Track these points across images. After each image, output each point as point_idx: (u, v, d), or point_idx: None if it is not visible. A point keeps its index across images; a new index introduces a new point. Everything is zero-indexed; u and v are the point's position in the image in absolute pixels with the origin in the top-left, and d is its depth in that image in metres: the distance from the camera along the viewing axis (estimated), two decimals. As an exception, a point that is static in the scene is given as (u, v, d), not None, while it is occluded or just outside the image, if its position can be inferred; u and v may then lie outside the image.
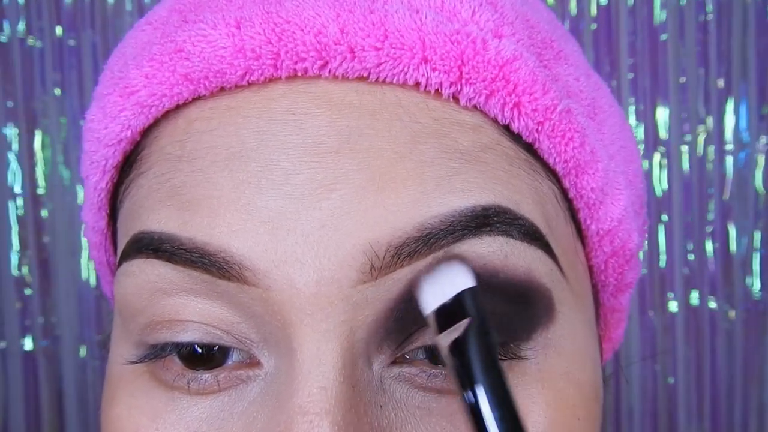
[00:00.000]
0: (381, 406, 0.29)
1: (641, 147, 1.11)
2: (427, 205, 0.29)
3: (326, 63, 0.30)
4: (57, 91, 1.11)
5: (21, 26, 1.10)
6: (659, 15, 1.11)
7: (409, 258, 0.28)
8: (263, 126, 0.30)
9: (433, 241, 0.28)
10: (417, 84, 0.30)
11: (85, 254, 1.11)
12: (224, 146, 0.30)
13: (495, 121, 0.32)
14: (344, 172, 0.29)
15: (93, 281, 1.12)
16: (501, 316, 0.30)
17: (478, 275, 0.29)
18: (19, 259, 1.12)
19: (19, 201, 1.11)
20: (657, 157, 1.11)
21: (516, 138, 0.32)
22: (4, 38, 1.10)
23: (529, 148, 0.32)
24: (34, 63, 1.11)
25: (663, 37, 1.11)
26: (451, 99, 0.31)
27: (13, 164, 1.11)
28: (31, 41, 1.11)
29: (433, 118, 0.30)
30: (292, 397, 0.28)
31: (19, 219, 1.11)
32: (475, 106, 0.31)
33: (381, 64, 0.30)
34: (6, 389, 1.11)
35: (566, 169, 0.33)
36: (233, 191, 0.29)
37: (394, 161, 0.29)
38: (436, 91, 0.31)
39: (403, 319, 0.29)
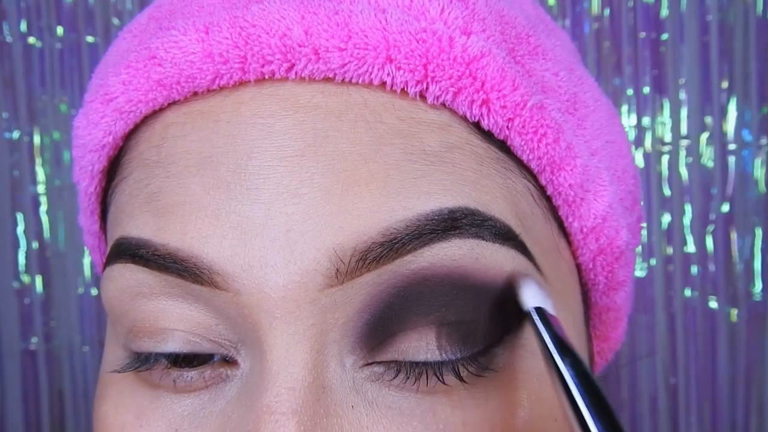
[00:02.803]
0: (353, 407, 0.29)
1: (641, 147, 1.10)
2: (391, 209, 0.29)
3: (292, 65, 0.30)
4: (57, 91, 1.11)
5: (21, 26, 1.11)
6: (660, 15, 1.10)
7: (375, 262, 0.28)
8: (233, 130, 0.30)
9: (399, 246, 0.28)
10: (383, 84, 0.30)
11: (85, 254, 1.12)
12: (196, 151, 0.31)
13: (464, 119, 0.31)
14: (309, 176, 0.29)
15: (93, 281, 1.12)
16: (471, 324, 0.30)
17: (449, 278, 0.29)
18: (20, 259, 1.12)
19: (19, 201, 1.12)
20: (657, 157, 1.11)
21: (487, 136, 0.32)
22: (4, 38, 1.10)
23: (502, 146, 0.32)
24: (34, 63, 1.11)
25: (664, 36, 1.11)
26: (418, 98, 0.31)
27: (13, 164, 1.11)
28: (31, 41, 1.11)
29: (399, 118, 0.30)
30: (261, 397, 0.28)
31: (20, 219, 1.12)
32: (443, 105, 0.31)
33: (346, 64, 0.30)
34: (6, 389, 1.12)
35: (541, 165, 0.33)
36: (204, 196, 0.30)
37: (358, 164, 0.29)
38: (403, 90, 0.30)
39: (374, 324, 0.29)
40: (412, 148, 0.30)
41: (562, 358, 0.27)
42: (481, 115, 0.31)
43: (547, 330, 0.28)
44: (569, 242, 0.36)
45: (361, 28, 0.30)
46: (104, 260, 0.34)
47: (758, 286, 1.11)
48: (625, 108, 1.11)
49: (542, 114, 0.32)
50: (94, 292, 1.13)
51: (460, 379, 0.30)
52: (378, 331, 0.30)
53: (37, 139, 1.12)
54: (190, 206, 0.30)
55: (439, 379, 0.30)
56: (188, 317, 0.31)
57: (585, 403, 0.25)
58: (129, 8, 1.11)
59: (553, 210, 0.34)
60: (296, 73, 0.30)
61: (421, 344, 0.30)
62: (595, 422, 0.25)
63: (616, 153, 0.38)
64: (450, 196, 0.29)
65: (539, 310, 0.29)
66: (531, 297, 0.30)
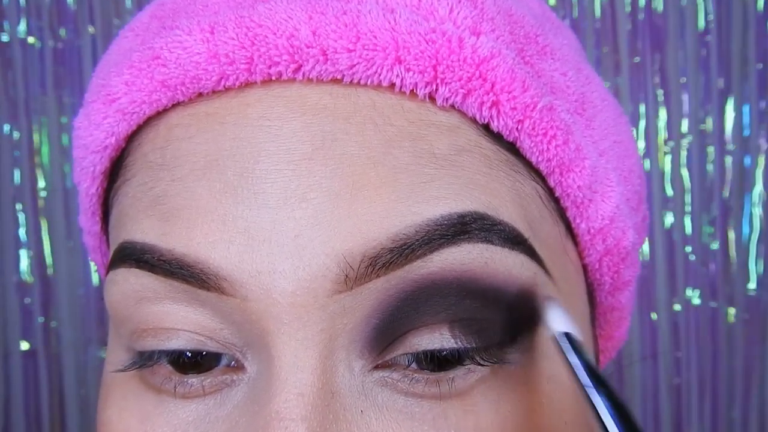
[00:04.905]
0: (362, 412, 0.29)
1: (642, 147, 1.10)
2: (400, 214, 0.28)
3: (300, 66, 0.30)
4: (57, 91, 1.11)
5: (21, 26, 1.11)
6: (660, 15, 1.10)
7: (385, 268, 0.28)
8: (239, 133, 0.30)
9: (409, 252, 0.28)
10: (392, 85, 0.30)
11: (86, 254, 1.12)
12: (202, 154, 0.30)
13: (474, 121, 0.31)
14: (317, 180, 0.28)
15: (94, 281, 1.12)
16: (483, 321, 0.30)
17: (459, 282, 0.29)
18: (20, 260, 1.12)
19: (20, 201, 1.11)
20: (657, 157, 1.11)
21: (497, 138, 0.31)
22: (4, 38, 1.10)
23: (511, 148, 0.32)
24: (34, 63, 1.11)
25: (664, 36, 1.11)
26: (428, 100, 0.30)
27: (13, 164, 1.11)
28: (31, 41, 1.11)
29: (408, 120, 0.30)
30: (270, 403, 0.28)
31: (20, 219, 1.11)
32: (452, 106, 0.31)
33: (354, 66, 0.29)
34: (7, 389, 1.12)
35: (550, 167, 0.32)
36: (210, 201, 0.29)
37: (367, 167, 0.29)
38: (412, 92, 0.30)
39: (382, 327, 0.29)
40: (421, 151, 0.29)
41: (597, 389, 0.27)
42: (491, 116, 0.31)
43: (579, 358, 0.28)
44: (576, 243, 0.36)
45: (369, 29, 0.30)
46: (107, 263, 0.33)
47: (754, 284, 1.11)
48: (625, 108, 1.11)
49: (552, 115, 0.32)
50: (94, 292, 1.13)
51: (477, 362, 0.30)
52: (387, 334, 0.29)
53: (36, 139, 1.12)
54: (197, 211, 0.29)
55: (456, 361, 0.29)
56: (193, 320, 0.30)
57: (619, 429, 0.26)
58: (129, 8, 1.11)
59: (561, 211, 0.34)
60: (304, 75, 0.30)
61: (434, 335, 0.29)
62: None
63: (623, 153, 0.38)
64: (459, 200, 0.29)
65: (567, 336, 0.29)
66: (558, 321, 0.30)
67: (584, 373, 0.28)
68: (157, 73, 0.31)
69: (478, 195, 0.30)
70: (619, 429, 0.26)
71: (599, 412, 0.26)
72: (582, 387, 0.27)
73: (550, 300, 0.30)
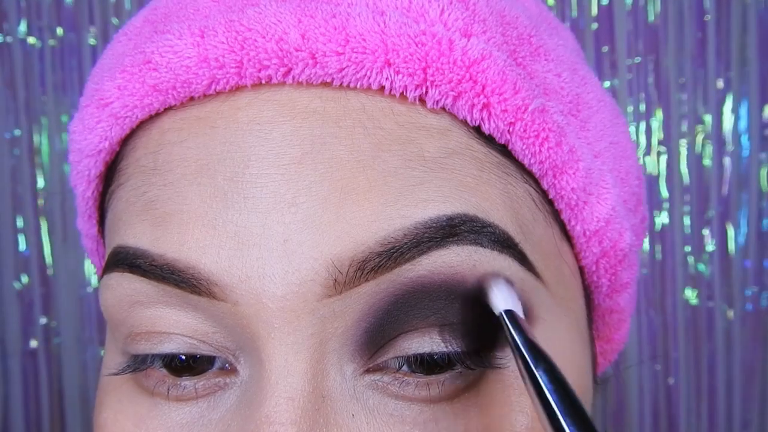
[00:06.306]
0: (353, 415, 0.29)
1: (641, 147, 1.10)
2: (389, 218, 0.28)
3: (289, 70, 0.30)
4: (57, 91, 1.11)
5: (21, 26, 1.11)
6: (659, 15, 1.10)
7: (374, 272, 0.28)
8: (230, 137, 0.30)
9: (397, 255, 0.28)
10: (382, 88, 0.30)
11: (85, 254, 1.12)
12: (193, 158, 0.30)
13: (465, 123, 0.31)
14: (307, 185, 0.28)
15: (94, 281, 1.12)
16: (473, 325, 0.30)
17: (447, 285, 0.29)
18: (20, 260, 1.12)
19: (20, 201, 1.11)
20: (656, 157, 1.11)
21: (488, 140, 0.31)
22: (5, 38, 1.10)
23: (503, 150, 0.32)
24: (34, 63, 1.11)
25: (663, 36, 1.11)
26: (418, 102, 0.30)
27: (13, 165, 1.11)
28: (31, 41, 1.11)
29: (398, 123, 0.30)
30: (260, 407, 0.28)
31: (20, 219, 1.12)
32: (443, 109, 0.30)
33: (343, 69, 0.29)
34: (6, 389, 1.12)
35: (543, 170, 0.32)
36: (201, 205, 0.29)
37: (356, 171, 0.29)
38: (402, 95, 0.30)
39: (373, 331, 0.29)
40: (411, 155, 0.29)
41: (535, 365, 0.27)
42: (482, 119, 0.31)
43: (519, 334, 0.28)
44: (572, 245, 0.35)
45: (359, 32, 0.29)
46: (102, 266, 0.34)
47: (754, 286, 1.11)
48: (623, 108, 1.11)
49: (544, 117, 0.32)
50: (94, 292, 1.13)
51: (467, 366, 0.30)
52: (377, 337, 0.29)
53: (36, 140, 1.12)
54: (188, 215, 0.29)
55: (446, 364, 0.29)
56: (186, 324, 0.31)
57: (560, 409, 0.25)
58: (128, 8, 1.11)
59: (555, 213, 0.34)
60: (293, 78, 0.30)
61: (425, 339, 0.29)
62: (570, 428, 0.24)
63: (620, 154, 0.38)
64: (449, 202, 0.29)
65: (510, 313, 0.29)
66: (501, 299, 0.29)
67: (526, 350, 0.27)
68: (148, 78, 0.31)
69: (468, 197, 0.30)
70: (558, 407, 0.25)
71: (541, 388, 0.26)
72: (525, 365, 0.27)
73: (494, 277, 0.30)
